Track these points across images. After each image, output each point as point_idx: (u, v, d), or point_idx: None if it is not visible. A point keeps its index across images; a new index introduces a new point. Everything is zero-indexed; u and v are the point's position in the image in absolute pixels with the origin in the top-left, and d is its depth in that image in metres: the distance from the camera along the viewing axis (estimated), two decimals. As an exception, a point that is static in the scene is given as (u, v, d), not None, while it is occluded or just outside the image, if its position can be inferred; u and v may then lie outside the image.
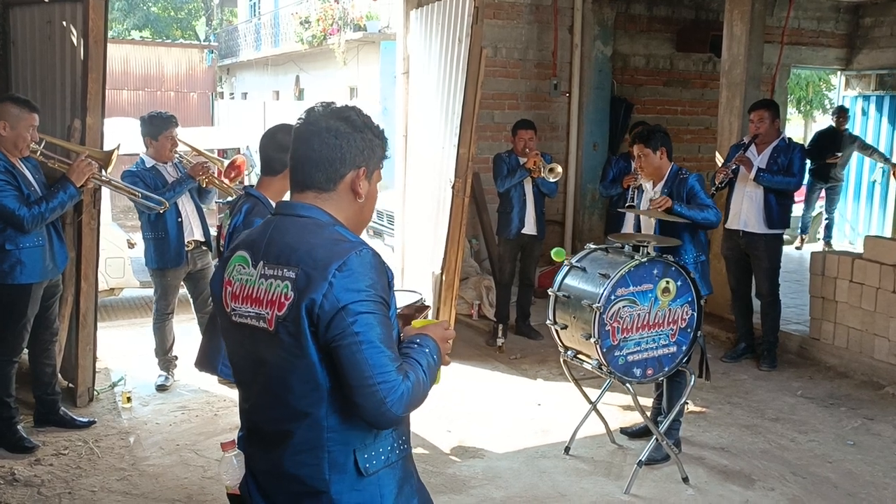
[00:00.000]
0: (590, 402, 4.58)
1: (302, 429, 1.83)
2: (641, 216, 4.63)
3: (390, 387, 1.75)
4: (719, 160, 6.94)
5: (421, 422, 4.89)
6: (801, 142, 9.92)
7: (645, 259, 4.02)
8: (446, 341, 2.02)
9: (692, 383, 4.28)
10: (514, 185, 6.47)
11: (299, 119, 1.96)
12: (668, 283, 4.07)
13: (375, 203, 2.03)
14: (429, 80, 6.85)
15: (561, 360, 4.42)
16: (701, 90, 9.62)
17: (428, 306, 2.62)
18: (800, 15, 10.46)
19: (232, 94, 28.27)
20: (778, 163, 5.85)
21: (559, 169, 6.38)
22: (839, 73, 11.37)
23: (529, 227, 6.57)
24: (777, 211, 5.93)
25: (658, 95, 9.52)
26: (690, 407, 5.15)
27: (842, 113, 10.24)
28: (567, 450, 4.54)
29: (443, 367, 2.04)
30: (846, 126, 10.19)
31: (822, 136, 10.33)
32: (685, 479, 4.17)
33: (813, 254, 6.38)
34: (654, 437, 4.22)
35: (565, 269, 4.32)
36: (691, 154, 9.55)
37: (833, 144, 9.95)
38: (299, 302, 1.77)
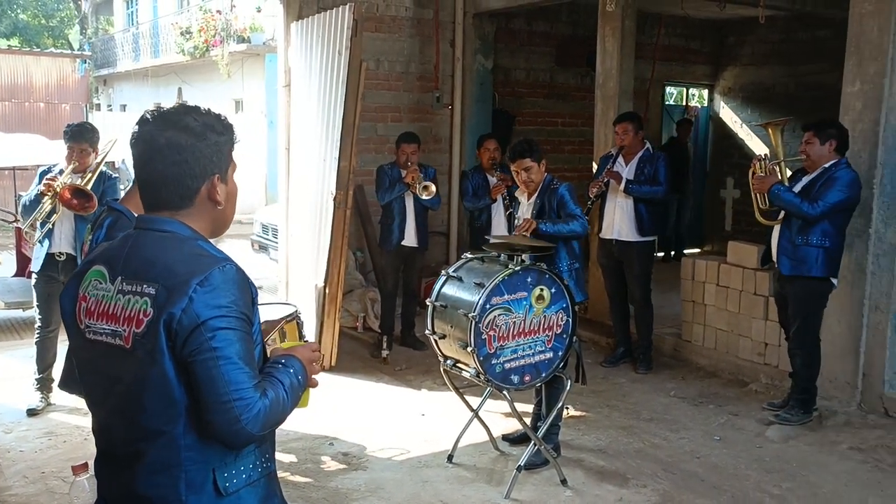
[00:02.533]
0: (472, 410, 4.63)
1: (156, 448, 1.77)
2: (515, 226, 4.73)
3: (246, 404, 1.71)
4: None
5: (303, 435, 4.84)
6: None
7: (519, 268, 4.11)
8: (313, 363, 1.99)
9: (568, 388, 4.39)
10: (396, 198, 6.50)
11: (133, 134, 1.86)
12: (542, 290, 4.18)
13: (237, 197, 1.97)
14: (310, 92, 6.82)
15: (441, 369, 4.47)
16: (580, 102, 9.89)
17: (288, 318, 2.59)
18: (670, 33, 10.98)
19: (110, 105, 27.24)
20: (645, 173, 6.10)
21: (433, 188, 6.38)
22: (707, 88, 11.96)
23: (409, 239, 6.60)
24: (647, 219, 6.17)
25: (539, 108, 9.79)
26: (571, 411, 5.29)
27: (685, 125, 10.71)
28: (450, 458, 4.58)
29: (311, 390, 2.02)
30: (688, 138, 10.66)
31: (664, 149, 10.75)
32: (563, 482, 4.28)
33: (683, 259, 6.69)
34: (533, 442, 4.31)
35: (443, 278, 4.37)
36: (572, 165, 9.83)
37: (679, 156, 10.39)
38: (158, 317, 1.72)
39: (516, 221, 4.81)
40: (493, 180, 6.52)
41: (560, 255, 4.57)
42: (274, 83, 14.43)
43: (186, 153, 1.82)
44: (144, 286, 1.76)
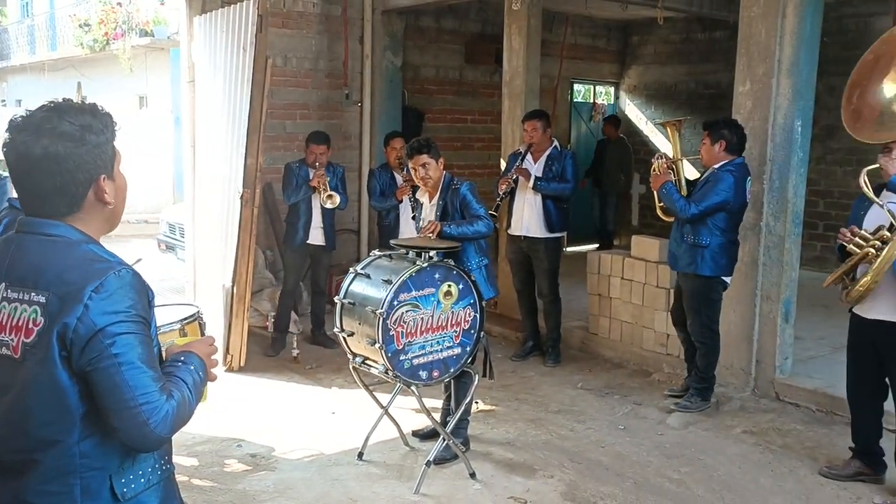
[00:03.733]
0: (381, 406, 4.64)
1: (49, 458, 1.72)
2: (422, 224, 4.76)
3: (153, 407, 1.70)
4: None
5: (210, 438, 4.76)
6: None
7: (426, 264, 4.14)
8: (211, 357, 1.99)
9: (476, 383, 4.45)
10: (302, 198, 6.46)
11: (6, 144, 1.75)
12: (449, 286, 4.22)
13: (127, 190, 1.90)
14: (215, 89, 6.69)
15: (350, 366, 4.46)
16: (489, 100, 9.98)
17: (189, 319, 2.55)
18: (577, 32, 11.21)
19: (3, 100, 26.03)
20: (553, 170, 6.22)
21: (337, 199, 6.31)
22: (613, 86, 12.27)
23: (315, 238, 6.56)
24: (556, 215, 6.29)
25: (448, 105, 9.84)
26: (480, 406, 5.36)
27: (610, 122, 10.96)
28: (360, 455, 4.58)
29: (210, 384, 2.01)
30: (619, 134, 10.91)
31: (595, 145, 11.00)
32: (472, 475, 4.34)
33: (589, 254, 6.84)
34: (442, 437, 4.36)
35: (351, 276, 4.37)
36: (481, 161, 9.94)
37: (605, 153, 10.64)
38: (50, 328, 1.67)
39: (420, 223, 4.82)
40: (400, 179, 6.54)
41: (468, 253, 4.61)
42: (179, 78, 14.07)
43: (67, 163, 1.73)
44: (33, 294, 1.70)
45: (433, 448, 4.37)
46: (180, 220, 8.64)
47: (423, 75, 9.57)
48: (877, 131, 4.07)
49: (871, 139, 4.17)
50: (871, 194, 3.88)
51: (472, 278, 4.31)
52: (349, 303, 4.28)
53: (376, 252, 4.53)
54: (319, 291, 6.85)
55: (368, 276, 4.28)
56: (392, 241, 4.52)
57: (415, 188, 6.00)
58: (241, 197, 5.99)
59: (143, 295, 1.77)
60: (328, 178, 6.38)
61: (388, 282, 4.07)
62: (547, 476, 4.40)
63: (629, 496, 4.16)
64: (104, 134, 1.80)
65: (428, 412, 4.32)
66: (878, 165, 3.96)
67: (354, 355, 4.37)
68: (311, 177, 6.38)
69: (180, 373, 1.85)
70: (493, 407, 5.44)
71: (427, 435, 4.84)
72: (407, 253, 4.35)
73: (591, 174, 10.55)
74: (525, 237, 6.33)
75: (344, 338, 4.34)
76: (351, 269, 4.42)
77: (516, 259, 6.51)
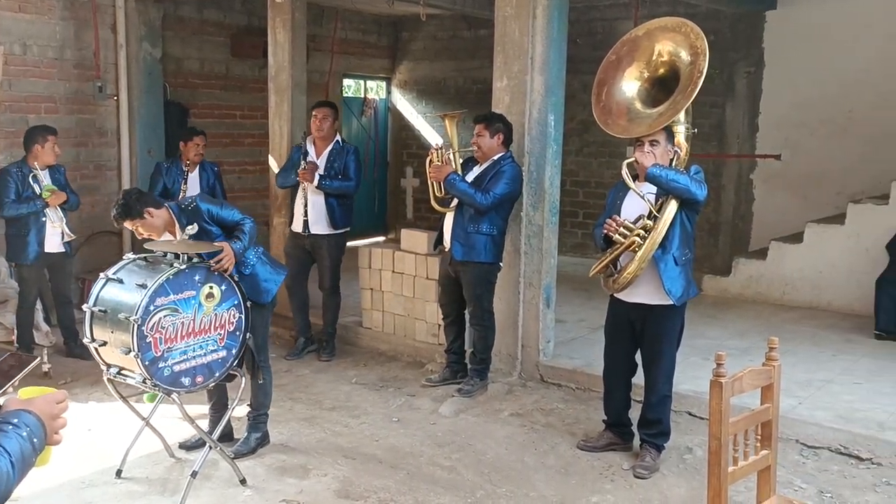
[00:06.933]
0: (142, 418, 4.36)
1: None
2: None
3: None
4: (273, 165, 7.11)
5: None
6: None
7: (185, 266, 3.93)
8: (55, 418, 1.72)
9: (244, 385, 4.30)
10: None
11: None
12: (211, 288, 4.03)
13: None
14: (-62, 77, 5.97)
15: (105, 378, 4.15)
16: (259, 95, 9.66)
17: None
18: (347, 27, 11.17)
19: None
20: (334, 167, 6.16)
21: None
22: (384, 81, 12.38)
23: (52, 246, 6.05)
24: (339, 212, 6.24)
25: (215, 100, 9.43)
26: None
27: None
28: (119, 473, 4.27)
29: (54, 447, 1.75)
30: None
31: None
32: (242, 482, 4.18)
33: (360, 248, 6.85)
34: (208, 444, 4.16)
35: (102, 281, 4.05)
36: (253, 158, 9.65)
37: None
38: None
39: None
40: (195, 177, 6.27)
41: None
42: None
43: None
44: None
45: (198, 458, 4.16)
46: None
47: (187, 68, 9.10)
48: (626, 129, 4.40)
49: (622, 134, 4.50)
50: (633, 185, 4.19)
51: (235, 279, 4.15)
52: (100, 310, 3.96)
53: (130, 255, 4.23)
54: (66, 301, 6.32)
55: (121, 281, 3.99)
56: (146, 245, 4.23)
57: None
58: (-26, 199, 5.39)
59: None
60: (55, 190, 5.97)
61: (143, 286, 3.82)
62: (321, 475, 4.34)
63: (402, 487, 4.20)
64: None
65: (191, 420, 4.10)
66: (633, 159, 4.23)
67: (108, 366, 4.06)
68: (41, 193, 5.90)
69: (5, 440, 1.59)
70: (267, 409, 5.29)
71: (194, 445, 4.60)
72: (164, 255, 4.11)
73: None
74: (309, 234, 6.22)
75: (95, 348, 4.02)
76: (102, 275, 4.10)
77: (294, 254, 6.38)
